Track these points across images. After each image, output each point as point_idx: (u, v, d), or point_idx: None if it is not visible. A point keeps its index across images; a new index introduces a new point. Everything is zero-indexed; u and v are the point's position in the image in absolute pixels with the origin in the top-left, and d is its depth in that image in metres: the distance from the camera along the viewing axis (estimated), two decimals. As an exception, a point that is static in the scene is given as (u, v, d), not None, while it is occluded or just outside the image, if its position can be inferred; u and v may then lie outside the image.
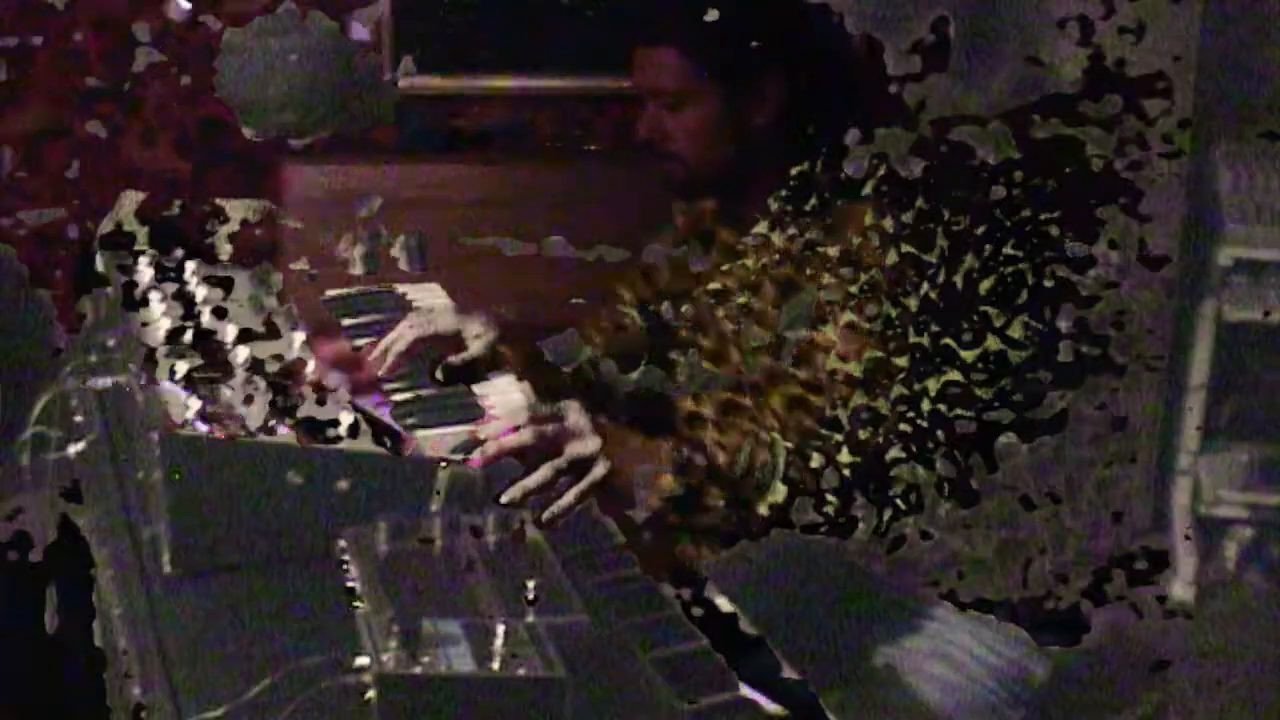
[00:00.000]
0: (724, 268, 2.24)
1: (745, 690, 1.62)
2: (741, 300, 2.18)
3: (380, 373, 2.20)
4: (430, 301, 2.41)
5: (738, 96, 2.15)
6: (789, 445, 1.98)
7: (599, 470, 1.91)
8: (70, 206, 3.84)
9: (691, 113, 2.17)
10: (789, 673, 1.81)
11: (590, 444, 1.91)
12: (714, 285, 2.24)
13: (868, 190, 2.06)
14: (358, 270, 3.71)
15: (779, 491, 1.97)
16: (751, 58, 2.13)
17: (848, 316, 2.03)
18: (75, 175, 3.86)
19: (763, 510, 1.98)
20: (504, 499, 1.85)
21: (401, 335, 2.23)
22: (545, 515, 1.87)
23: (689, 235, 2.35)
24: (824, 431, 2.00)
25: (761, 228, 2.18)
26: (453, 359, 2.20)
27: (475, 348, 2.22)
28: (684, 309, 2.30)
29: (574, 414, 1.92)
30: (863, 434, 1.98)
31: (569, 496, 1.90)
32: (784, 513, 1.97)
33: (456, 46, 4.29)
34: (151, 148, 3.98)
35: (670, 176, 2.24)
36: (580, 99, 4.32)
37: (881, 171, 2.06)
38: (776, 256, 2.15)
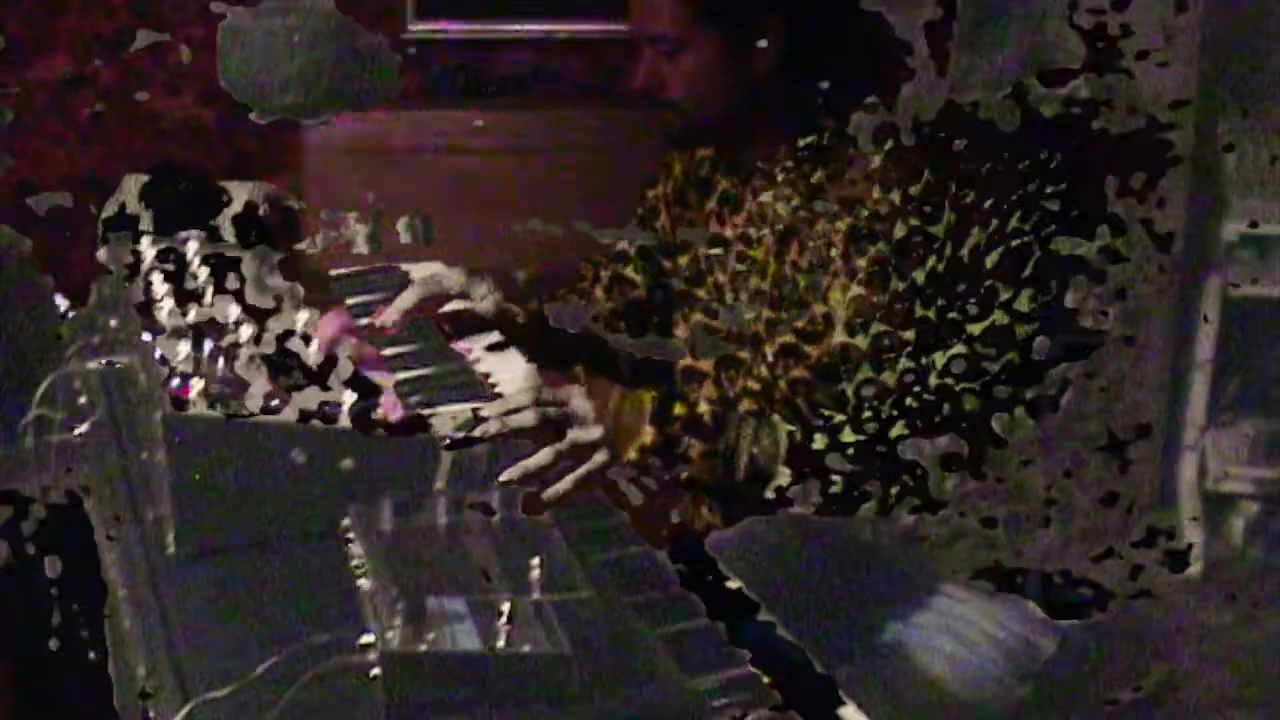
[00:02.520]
0: (723, 216, 2.23)
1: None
2: (741, 249, 2.18)
3: (388, 329, 2.19)
4: (434, 268, 2.41)
5: (737, 43, 2.11)
6: (792, 429, 1.97)
7: (600, 457, 1.91)
8: (93, 159, 3.83)
9: (689, 60, 2.13)
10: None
11: (593, 430, 1.91)
12: (714, 232, 2.23)
13: (875, 163, 2.05)
14: (361, 250, 3.71)
15: (783, 474, 1.97)
16: (751, 3, 2.10)
17: (854, 291, 2.02)
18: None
19: (768, 494, 1.97)
20: (503, 478, 1.84)
21: (409, 296, 2.22)
22: (544, 497, 1.87)
23: (686, 183, 2.34)
24: (818, 395, 2.00)
25: (766, 197, 2.18)
26: (462, 308, 2.20)
27: (483, 306, 2.22)
28: (682, 260, 2.30)
29: (578, 399, 1.92)
30: (867, 410, 1.98)
31: (567, 481, 1.90)
32: (789, 494, 1.97)
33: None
34: (176, 95, 3.98)
35: (668, 125, 2.23)
36: (609, 43, 4.29)
37: (889, 145, 2.05)
38: (810, 184, 2.14)
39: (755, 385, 2.12)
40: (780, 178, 2.16)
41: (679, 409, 1.97)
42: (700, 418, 1.96)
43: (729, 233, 2.24)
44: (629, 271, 2.43)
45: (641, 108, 2.20)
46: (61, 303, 2.37)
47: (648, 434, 1.94)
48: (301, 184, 3.90)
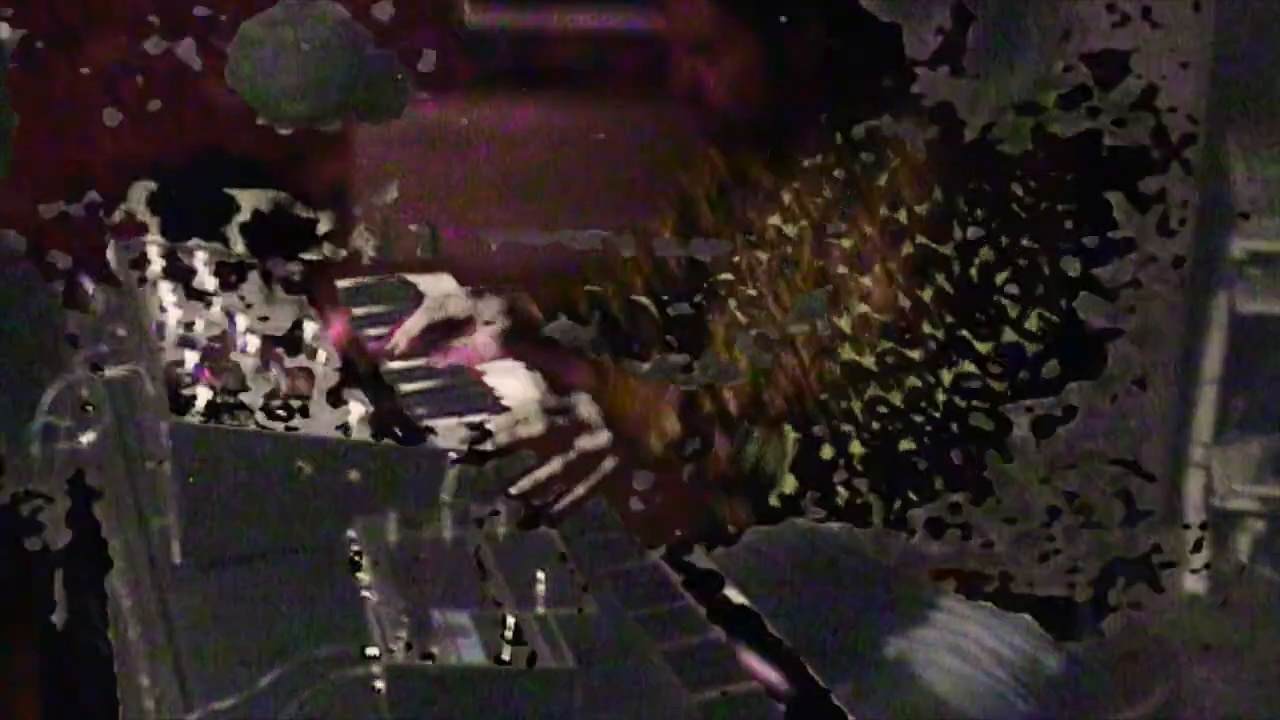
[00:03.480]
0: (764, 212, 2.22)
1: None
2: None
3: (393, 359, 2.19)
4: (442, 288, 2.40)
5: (774, 41, 2.06)
6: (799, 436, 1.97)
7: (609, 464, 1.91)
8: (143, 146, 3.79)
9: (728, 61, 2.10)
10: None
11: (601, 437, 1.91)
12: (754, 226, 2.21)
13: (882, 181, 2.05)
14: (370, 259, 3.70)
15: (789, 483, 1.97)
16: None
17: (860, 308, 2.02)
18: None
19: (773, 502, 1.97)
20: (513, 491, 1.84)
21: (414, 321, 2.22)
22: (555, 508, 1.87)
23: (728, 178, 2.32)
24: (842, 405, 1.99)
25: (775, 219, 2.17)
26: (455, 343, 2.20)
27: (484, 334, 2.22)
28: (717, 254, 2.27)
29: (585, 407, 1.92)
30: (875, 425, 1.98)
31: (579, 490, 1.90)
32: (795, 504, 1.97)
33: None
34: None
35: (708, 129, 2.20)
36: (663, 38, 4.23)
37: (896, 162, 2.04)
38: (818, 203, 2.11)
39: (789, 386, 2.10)
40: (788, 200, 2.16)
41: (707, 404, 1.96)
42: (730, 415, 1.96)
43: (769, 229, 2.21)
44: (668, 258, 2.39)
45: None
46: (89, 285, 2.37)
47: (674, 426, 1.94)
48: (350, 173, 3.88)
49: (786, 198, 2.16)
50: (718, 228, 2.30)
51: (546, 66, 4.21)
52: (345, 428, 1.81)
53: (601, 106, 4.10)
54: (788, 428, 1.99)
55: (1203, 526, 3.94)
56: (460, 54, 3.79)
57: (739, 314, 2.19)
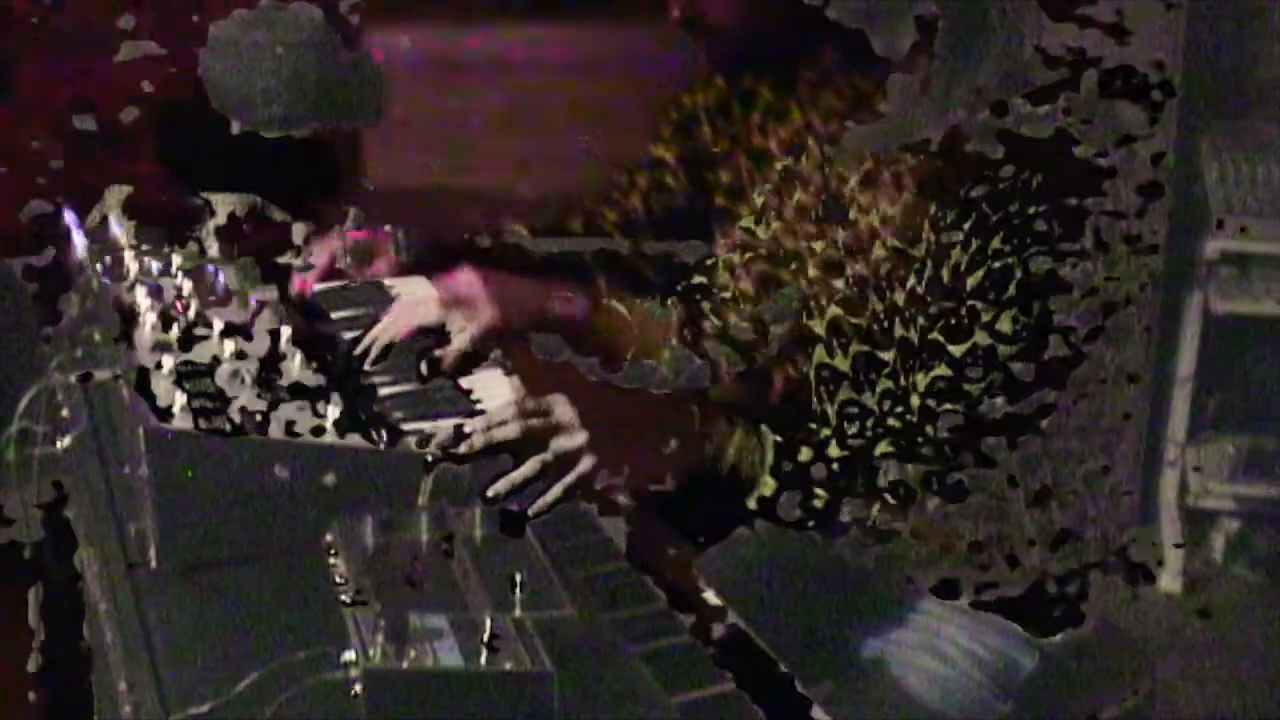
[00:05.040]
0: (766, 128, 2.21)
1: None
2: (782, 165, 2.16)
3: (366, 365, 2.19)
4: (415, 294, 2.40)
5: None
6: (779, 439, 1.98)
7: (585, 464, 1.91)
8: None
9: None
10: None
11: (577, 438, 1.91)
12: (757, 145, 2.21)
13: (853, 183, 2.05)
14: (345, 263, 3.69)
15: (767, 485, 1.97)
16: None
17: (833, 311, 2.03)
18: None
19: (750, 504, 1.98)
20: (489, 493, 1.84)
21: (385, 328, 2.22)
22: (531, 510, 1.87)
23: (729, 94, 2.31)
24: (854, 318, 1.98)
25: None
26: (436, 352, 2.20)
27: (459, 341, 2.22)
28: (724, 174, 2.27)
29: (561, 407, 1.92)
30: (850, 428, 1.98)
31: (555, 491, 1.90)
32: (772, 507, 1.97)
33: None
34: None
35: (712, 53, 2.19)
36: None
37: (868, 165, 2.05)
38: (818, 129, 2.11)
39: (796, 304, 2.09)
40: (760, 200, 2.16)
41: (710, 326, 1.96)
42: (733, 335, 1.95)
43: (772, 145, 2.21)
44: (668, 179, 2.39)
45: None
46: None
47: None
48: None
49: (790, 115, 2.15)
50: (720, 147, 2.29)
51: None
52: (321, 430, 1.82)
53: (603, 31, 4.05)
54: (766, 430, 1.99)
55: (1180, 523, 3.96)
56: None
57: (739, 234, 2.17)
